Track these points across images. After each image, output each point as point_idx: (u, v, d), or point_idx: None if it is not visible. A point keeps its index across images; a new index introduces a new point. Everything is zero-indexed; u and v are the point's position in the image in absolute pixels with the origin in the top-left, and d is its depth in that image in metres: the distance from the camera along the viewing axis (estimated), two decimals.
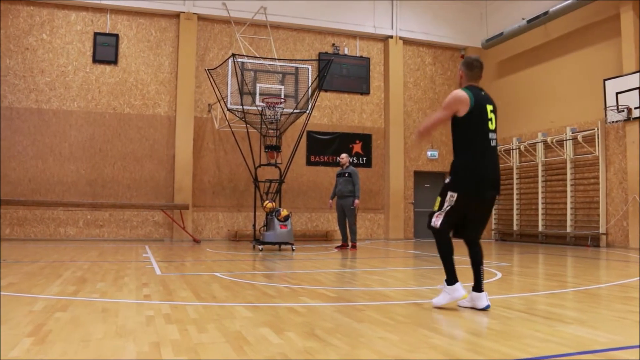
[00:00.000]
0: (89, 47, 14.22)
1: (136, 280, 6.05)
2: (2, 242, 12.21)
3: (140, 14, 14.66)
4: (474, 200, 4.33)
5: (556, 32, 14.71)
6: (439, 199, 4.40)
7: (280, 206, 11.74)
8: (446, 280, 4.36)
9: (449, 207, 4.32)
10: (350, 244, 11.67)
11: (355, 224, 11.62)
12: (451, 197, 4.30)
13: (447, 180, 4.39)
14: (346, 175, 11.64)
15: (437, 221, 4.37)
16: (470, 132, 4.29)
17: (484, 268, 4.51)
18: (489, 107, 4.37)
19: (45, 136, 13.75)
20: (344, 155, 12.03)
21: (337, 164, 15.59)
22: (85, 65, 14.17)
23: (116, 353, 2.93)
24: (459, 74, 4.55)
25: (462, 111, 4.27)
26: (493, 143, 4.34)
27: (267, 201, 11.21)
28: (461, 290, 4.31)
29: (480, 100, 4.31)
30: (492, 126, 4.34)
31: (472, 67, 4.48)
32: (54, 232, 13.64)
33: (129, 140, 14.33)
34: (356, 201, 11.46)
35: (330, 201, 12.03)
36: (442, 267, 4.49)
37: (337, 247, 11.84)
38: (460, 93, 4.30)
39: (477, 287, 4.34)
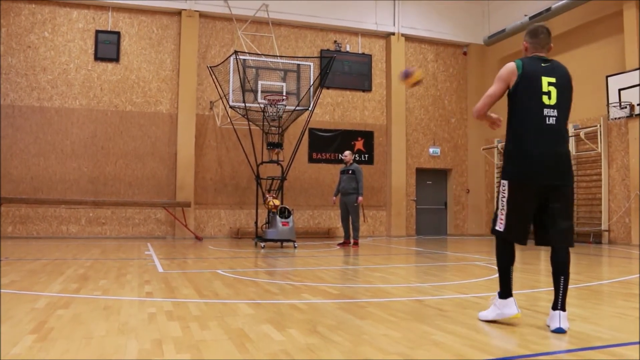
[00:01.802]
0: (90, 45, 14.22)
1: (138, 277, 6.05)
2: (5, 240, 12.23)
3: (142, 11, 14.66)
4: (531, 189, 3.62)
5: (558, 29, 14.65)
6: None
7: (282, 203, 11.73)
8: (499, 293, 3.77)
9: (505, 202, 3.70)
10: (352, 241, 11.66)
11: (358, 221, 11.62)
12: (502, 187, 3.74)
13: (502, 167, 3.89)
14: (350, 172, 11.63)
15: (500, 225, 3.74)
16: (518, 106, 3.76)
17: (568, 284, 3.62)
18: (547, 79, 3.68)
19: (47, 134, 13.76)
20: (347, 152, 12.01)
21: (339, 161, 15.60)
22: (87, 63, 14.17)
23: (118, 350, 2.93)
24: (524, 45, 3.92)
25: (513, 82, 3.77)
26: (550, 121, 3.63)
27: (269, 199, 11.20)
28: (513, 307, 3.67)
29: (532, 70, 3.69)
30: (549, 101, 3.65)
31: (537, 34, 3.84)
32: (56, 230, 13.66)
33: (130, 138, 14.33)
34: (360, 198, 11.46)
35: (334, 198, 12.03)
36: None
37: (339, 244, 11.84)
38: (509, 63, 3.80)
39: (554, 304, 3.50)
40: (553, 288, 3.57)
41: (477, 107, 3.97)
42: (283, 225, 10.79)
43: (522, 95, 3.73)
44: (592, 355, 2.88)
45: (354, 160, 12.19)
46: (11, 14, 13.71)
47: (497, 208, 3.79)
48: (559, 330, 3.39)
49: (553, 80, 3.69)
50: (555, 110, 3.67)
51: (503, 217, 3.71)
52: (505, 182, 3.73)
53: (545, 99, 3.67)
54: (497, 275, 3.80)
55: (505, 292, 3.73)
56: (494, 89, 3.85)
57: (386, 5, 16.65)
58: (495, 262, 3.91)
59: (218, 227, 14.86)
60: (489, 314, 3.79)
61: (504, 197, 3.72)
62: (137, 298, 4.69)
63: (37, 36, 13.87)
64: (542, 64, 3.74)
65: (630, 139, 12.46)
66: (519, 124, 3.76)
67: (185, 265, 7.74)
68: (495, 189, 16.52)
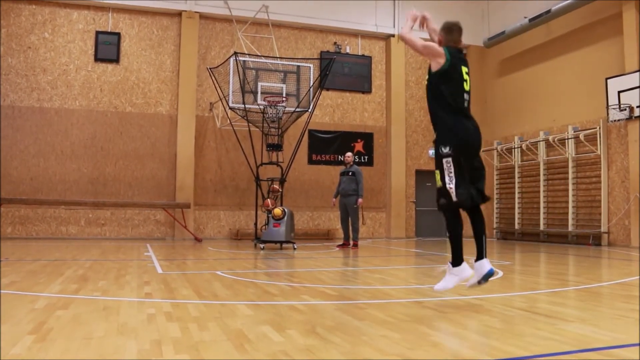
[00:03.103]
0: (90, 46, 14.23)
1: (138, 278, 6.05)
2: (4, 240, 12.22)
3: (142, 12, 14.66)
4: (468, 154, 4.27)
5: (558, 31, 14.68)
6: (437, 172, 4.30)
7: (282, 205, 11.74)
8: (452, 262, 4.28)
9: (454, 169, 4.19)
10: (351, 242, 11.66)
11: (357, 222, 11.62)
12: (447, 163, 4.21)
13: (439, 149, 4.31)
14: (350, 174, 11.63)
15: (452, 191, 4.20)
16: (449, 90, 4.30)
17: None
18: (464, 69, 4.42)
19: (47, 135, 13.76)
20: (349, 153, 12.02)
21: (339, 163, 15.63)
22: (87, 63, 14.18)
23: (117, 351, 2.93)
24: (438, 39, 4.56)
25: (435, 65, 4.29)
26: (466, 104, 4.40)
27: (269, 202, 11.20)
28: (468, 269, 4.25)
29: (456, 59, 4.36)
30: (467, 87, 4.40)
31: (451, 30, 4.50)
32: (55, 231, 13.65)
33: (130, 139, 14.33)
34: (359, 200, 11.46)
35: (334, 199, 12.03)
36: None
37: (338, 246, 11.84)
38: (437, 46, 4.38)
39: (479, 256, 4.32)
40: (476, 246, 4.31)
41: (403, 32, 4.49)
42: (274, 226, 10.82)
43: (452, 80, 4.33)
44: (591, 357, 2.88)
45: (354, 161, 12.17)
46: (11, 15, 13.72)
47: (443, 180, 4.23)
48: (492, 271, 4.20)
49: (467, 70, 4.45)
50: (469, 95, 4.44)
51: (454, 182, 4.18)
52: (448, 150, 4.20)
53: (465, 85, 4.40)
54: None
55: (459, 259, 4.26)
56: (420, 47, 4.36)
57: (386, 6, 16.67)
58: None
59: (217, 229, 14.86)
60: (448, 283, 4.25)
61: (451, 166, 4.18)
62: (137, 299, 4.69)
63: (37, 37, 13.88)
64: (460, 55, 4.46)
65: (629, 141, 12.46)
66: (449, 104, 4.31)
67: (184, 266, 7.73)
68: (495, 191, 16.53)
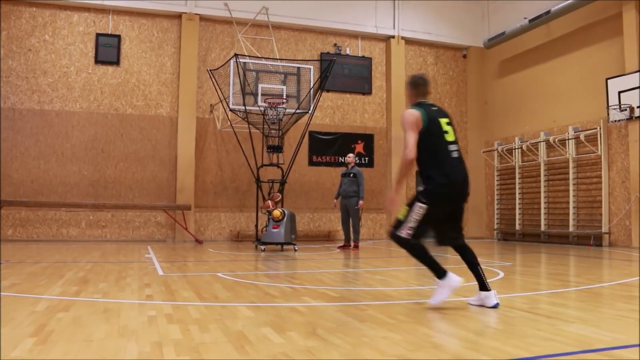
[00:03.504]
0: (91, 48, 14.24)
1: (138, 280, 6.05)
2: (5, 243, 12.22)
3: (142, 14, 14.68)
4: (444, 209, 4.39)
5: (558, 32, 14.68)
6: (406, 208, 4.35)
7: (282, 206, 11.74)
8: (437, 276, 4.31)
9: (419, 218, 4.28)
10: (352, 244, 11.66)
11: (358, 224, 11.62)
12: (420, 208, 4.27)
13: (419, 189, 4.36)
14: (351, 175, 11.63)
15: (402, 231, 4.31)
16: (431, 147, 4.31)
17: (483, 267, 4.48)
18: (444, 120, 4.41)
19: (48, 137, 13.77)
20: (350, 155, 12.03)
21: (340, 164, 15.64)
22: (87, 66, 14.19)
23: (118, 353, 2.93)
24: (407, 94, 4.62)
25: (419, 127, 4.32)
26: (455, 155, 4.38)
27: (270, 205, 11.20)
28: (455, 277, 4.28)
29: (432, 114, 4.37)
30: (450, 138, 4.39)
31: (417, 85, 4.55)
32: (56, 233, 13.65)
33: (131, 141, 14.34)
34: (360, 202, 11.45)
35: (335, 201, 12.02)
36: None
37: (339, 247, 11.83)
38: (411, 110, 4.36)
39: (483, 287, 4.35)
40: (475, 277, 4.39)
41: (411, 155, 4.32)
42: (274, 228, 10.83)
43: (433, 137, 4.33)
44: (592, 358, 2.88)
45: (356, 163, 12.17)
46: (12, 17, 13.73)
47: (404, 220, 4.32)
48: (497, 305, 4.26)
49: (447, 120, 4.43)
50: (456, 145, 4.41)
51: (410, 226, 4.29)
52: (424, 206, 4.26)
53: (447, 137, 4.38)
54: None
55: (441, 272, 4.29)
56: (414, 134, 4.31)
57: (386, 8, 16.68)
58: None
59: (218, 230, 14.86)
60: (442, 295, 4.26)
61: (419, 216, 4.27)
62: (137, 301, 4.69)
63: (37, 39, 13.89)
64: (434, 108, 4.46)
65: (630, 141, 12.46)
66: (433, 162, 4.34)
67: (185, 268, 7.73)
68: (496, 192, 16.52)
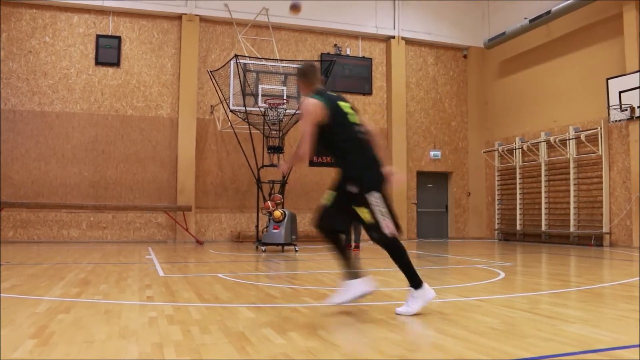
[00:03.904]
0: (91, 50, 14.24)
1: (139, 281, 6.05)
2: (6, 244, 12.23)
3: (143, 16, 14.68)
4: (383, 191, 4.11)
5: (559, 32, 14.68)
6: (365, 210, 4.02)
7: (283, 207, 11.74)
8: (413, 285, 4.04)
9: (384, 209, 4.01)
10: (353, 244, 11.65)
11: (360, 225, 11.58)
12: (376, 199, 3.99)
13: (353, 190, 4.04)
14: None
15: (389, 229, 4.01)
16: (341, 135, 4.09)
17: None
18: (344, 104, 4.19)
19: (48, 138, 13.77)
20: None
21: None
22: (87, 67, 14.19)
23: (119, 354, 2.93)
24: (299, 85, 4.40)
25: (322, 116, 4.04)
26: (362, 136, 4.17)
27: (270, 206, 11.20)
28: (431, 290, 4.06)
29: (332, 99, 4.15)
30: (353, 120, 4.16)
31: (306, 74, 4.32)
32: (57, 234, 13.66)
33: (131, 142, 14.34)
34: None
35: None
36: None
37: None
38: (313, 100, 4.08)
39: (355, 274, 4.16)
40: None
41: (307, 154, 4.04)
42: (274, 229, 10.84)
43: (340, 122, 4.11)
44: (593, 358, 2.88)
45: None
46: (12, 19, 13.74)
47: (376, 220, 4.00)
48: (434, 297, 4.05)
49: (347, 104, 4.22)
50: (360, 127, 4.20)
51: (389, 221, 4.03)
52: (376, 193, 4.01)
53: (352, 118, 4.17)
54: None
55: (418, 281, 4.06)
56: (311, 127, 4.03)
57: (386, 8, 16.68)
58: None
59: (219, 231, 14.86)
60: (413, 307, 4.00)
61: (382, 206, 4.01)
62: (138, 302, 4.69)
63: (38, 41, 13.90)
64: (330, 94, 4.21)
65: (630, 141, 12.45)
66: (350, 146, 4.11)
67: (186, 269, 7.74)
68: (497, 192, 16.52)
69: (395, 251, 4.11)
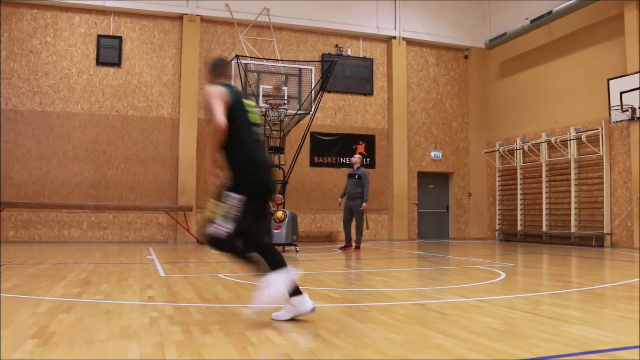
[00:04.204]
0: (92, 50, 14.25)
1: (140, 281, 6.06)
2: (7, 244, 12.24)
3: (144, 16, 14.69)
4: (259, 199, 3.98)
5: (560, 32, 14.68)
6: (215, 203, 3.89)
7: (284, 207, 11.75)
8: (290, 292, 3.85)
9: (234, 214, 3.81)
10: (354, 244, 11.67)
11: (362, 225, 11.64)
12: (239, 202, 3.81)
13: (226, 183, 3.91)
14: (356, 177, 11.65)
15: (221, 228, 3.81)
16: (238, 128, 3.91)
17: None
18: (247, 102, 4.09)
19: (49, 138, 13.78)
20: (356, 156, 12.09)
21: (341, 165, 15.72)
22: (88, 67, 14.20)
23: (120, 354, 2.93)
24: (207, 79, 4.20)
25: (227, 102, 3.93)
26: (257, 137, 4.09)
27: (272, 206, 11.21)
28: (309, 302, 3.87)
29: (236, 94, 4.03)
30: (253, 119, 4.07)
31: (216, 66, 4.18)
32: (58, 234, 13.67)
33: (132, 142, 14.35)
34: (364, 204, 11.46)
35: (340, 199, 12.04)
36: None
37: (340, 248, 11.83)
38: (213, 86, 3.94)
39: (298, 290, 3.91)
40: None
41: (221, 119, 3.78)
42: (275, 229, 10.85)
43: (239, 117, 3.96)
44: (594, 359, 2.87)
45: (362, 164, 12.18)
46: (13, 19, 13.75)
47: (220, 216, 3.84)
48: (313, 310, 3.85)
49: (250, 102, 4.14)
50: (258, 128, 4.14)
51: (228, 223, 3.82)
52: (241, 196, 3.83)
53: (251, 117, 4.07)
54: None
55: (296, 289, 3.87)
56: (221, 105, 3.84)
57: (387, 9, 16.68)
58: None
59: None
60: (285, 313, 3.84)
61: (238, 209, 3.81)
62: (139, 302, 4.69)
63: (39, 41, 13.91)
64: (237, 89, 4.14)
65: (631, 141, 12.44)
66: (240, 143, 3.95)
67: (186, 269, 7.74)
68: (498, 193, 16.52)
69: (226, 252, 3.94)
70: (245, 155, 3.92)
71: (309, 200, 15.64)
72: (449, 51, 17.46)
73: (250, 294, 5.19)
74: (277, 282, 3.81)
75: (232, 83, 12.23)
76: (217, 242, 3.87)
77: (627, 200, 12.62)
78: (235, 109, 3.94)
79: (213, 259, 9.38)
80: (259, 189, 3.97)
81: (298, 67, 13.68)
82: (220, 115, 3.77)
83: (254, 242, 3.99)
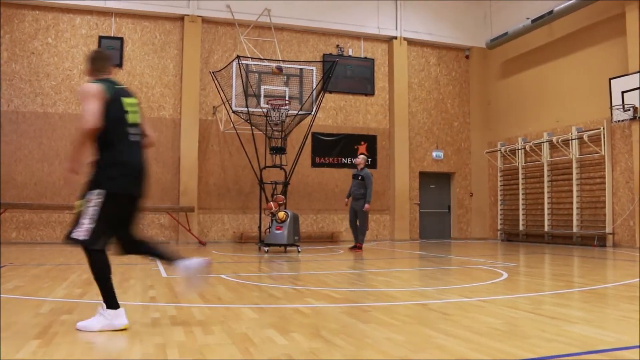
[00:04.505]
0: None
1: (142, 282, 6.06)
2: (9, 245, 12.25)
3: (145, 17, 14.71)
4: (123, 200, 3.89)
5: (561, 32, 14.66)
6: (79, 203, 3.79)
7: (285, 208, 11.75)
8: (106, 303, 3.67)
9: (96, 212, 3.71)
10: (356, 244, 11.69)
11: (365, 225, 11.66)
12: (97, 197, 3.72)
13: (92, 177, 3.82)
14: (359, 178, 11.68)
15: (80, 231, 3.70)
16: (112, 128, 3.77)
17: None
18: (127, 100, 3.92)
19: (51, 139, 13.80)
20: (360, 156, 12.13)
21: (342, 165, 15.78)
22: None
23: (122, 355, 2.94)
24: (87, 73, 4.06)
25: (102, 100, 3.78)
26: (134, 138, 3.93)
27: (273, 207, 11.20)
28: (123, 317, 3.63)
29: (115, 92, 3.85)
30: (132, 120, 3.92)
31: (94, 60, 4.02)
32: (60, 235, 13.66)
33: None
34: (366, 205, 11.48)
35: (346, 200, 12.08)
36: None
37: (351, 249, 11.81)
38: (89, 85, 3.80)
39: (116, 304, 3.72)
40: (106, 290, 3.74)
41: (92, 121, 3.63)
42: (277, 229, 10.86)
43: (112, 115, 3.79)
44: (596, 359, 2.87)
45: (366, 165, 12.20)
46: (15, 21, 13.77)
47: (81, 217, 3.73)
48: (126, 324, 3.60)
49: (131, 101, 3.95)
50: (137, 129, 3.97)
51: (88, 224, 3.71)
52: (101, 191, 3.73)
53: (129, 117, 3.89)
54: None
55: (112, 302, 3.68)
56: (97, 104, 3.69)
57: (388, 9, 16.67)
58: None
59: (221, 232, 14.87)
60: (95, 323, 3.58)
61: (97, 207, 3.72)
62: (141, 303, 4.70)
63: (40, 42, 13.93)
64: (117, 87, 3.92)
65: (633, 141, 12.43)
66: (111, 141, 3.80)
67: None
68: (499, 192, 16.51)
69: (89, 261, 3.83)
70: (115, 157, 3.81)
71: (311, 201, 15.64)
72: (450, 51, 17.45)
73: (252, 294, 5.20)
74: (188, 268, 3.95)
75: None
76: (78, 241, 3.73)
77: (629, 200, 12.60)
78: (112, 108, 3.78)
79: (215, 259, 9.39)
80: (125, 190, 3.86)
81: (299, 68, 13.67)
82: (92, 116, 3.62)
83: (119, 244, 4.03)
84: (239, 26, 15.09)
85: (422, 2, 17.01)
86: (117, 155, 3.82)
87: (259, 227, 12.34)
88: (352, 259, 9.87)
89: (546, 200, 14.59)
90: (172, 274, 6.98)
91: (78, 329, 3.56)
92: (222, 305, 4.57)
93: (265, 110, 12.19)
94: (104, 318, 3.59)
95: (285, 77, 13.45)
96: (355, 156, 15.80)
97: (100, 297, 3.70)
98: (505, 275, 6.88)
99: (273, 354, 2.95)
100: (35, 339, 3.27)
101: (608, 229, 12.91)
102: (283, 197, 11.71)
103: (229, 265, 8.27)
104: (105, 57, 4.08)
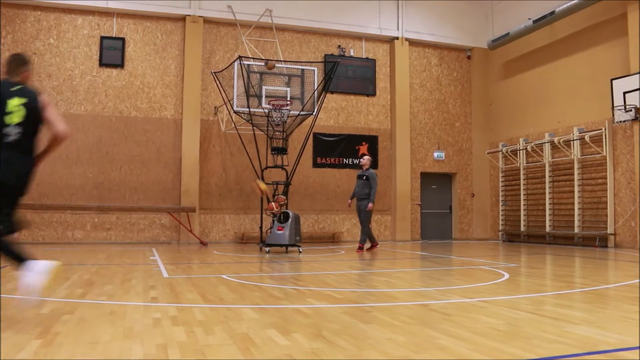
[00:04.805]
0: (95, 51, 14.29)
1: (143, 282, 6.07)
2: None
3: (146, 17, 14.72)
4: None
5: (563, 32, 14.66)
6: None
7: (287, 208, 11.75)
8: (17, 263, 4.00)
9: None
10: (359, 244, 11.69)
11: (367, 226, 11.65)
12: None
13: None
14: (364, 178, 11.69)
15: None
16: None
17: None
18: (14, 101, 4.11)
19: None
20: (365, 157, 12.13)
21: (344, 166, 15.78)
22: (91, 69, 14.23)
23: (123, 355, 2.94)
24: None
25: None
26: (7, 139, 4.09)
27: (273, 205, 11.20)
28: (40, 260, 3.98)
29: (3, 93, 4.11)
30: (10, 120, 4.09)
31: (7, 63, 4.31)
32: (61, 236, 13.69)
33: (135, 144, 14.37)
34: (370, 204, 11.48)
35: (349, 201, 12.07)
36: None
37: (367, 249, 11.79)
38: None
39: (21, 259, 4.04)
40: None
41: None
42: (278, 230, 10.86)
43: None
44: (598, 359, 2.87)
45: (371, 165, 12.20)
46: (17, 21, 13.79)
47: None
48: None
49: (19, 102, 4.13)
50: (15, 129, 4.14)
51: None
52: None
53: (7, 118, 4.09)
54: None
55: (21, 258, 3.98)
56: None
57: (390, 9, 16.68)
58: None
59: (223, 232, 14.87)
60: (31, 281, 3.84)
61: None
62: (142, 303, 4.70)
63: (42, 43, 13.95)
64: (10, 88, 4.15)
65: (635, 142, 12.41)
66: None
67: (190, 270, 7.74)
68: (501, 193, 16.50)
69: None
70: None
71: (312, 201, 15.64)
72: (451, 52, 17.45)
73: (253, 295, 5.20)
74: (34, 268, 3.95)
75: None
76: None
77: (630, 201, 12.59)
78: None
79: (216, 260, 9.39)
80: None
81: (301, 68, 13.68)
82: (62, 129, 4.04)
83: None
84: (241, 26, 15.10)
85: (424, 3, 17.02)
86: None
87: (261, 227, 12.34)
88: (353, 259, 9.87)
89: (547, 201, 14.59)
90: (174, 274, 6.98)
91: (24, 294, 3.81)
92: (224, 306, 4.57)
93: (266, 110, 12.20)
94: (29, 271, 3.86)
95: (286, 78, 13.45)
96: (357, 157, 15.85)
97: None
98: (506, 275, 6.87)
99: (274, 354, 2.95)
100: (37, 338, 3.27)
101: (609, 230, 12.89)
102: (284, 197, 11.72)
103: (230, 266, 8.27)
104: (18, 60, 4.33)
